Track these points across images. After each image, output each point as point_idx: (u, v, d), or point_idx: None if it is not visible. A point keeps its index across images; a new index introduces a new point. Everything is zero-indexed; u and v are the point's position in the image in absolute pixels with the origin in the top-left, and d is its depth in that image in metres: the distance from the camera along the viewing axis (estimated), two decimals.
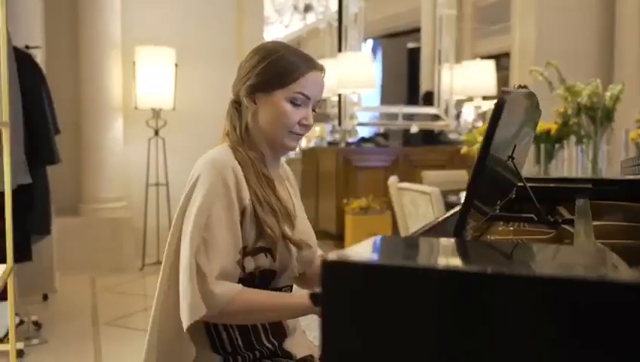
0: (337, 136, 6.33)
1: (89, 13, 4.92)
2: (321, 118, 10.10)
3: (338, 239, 5.78)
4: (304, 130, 1.50)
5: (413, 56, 9.61)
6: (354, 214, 5.38)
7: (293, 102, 1.44)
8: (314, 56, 1.51)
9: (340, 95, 6.21)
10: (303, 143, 9.22)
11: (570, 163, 3.48)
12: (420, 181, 4.69)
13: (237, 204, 1.38)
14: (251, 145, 1.48)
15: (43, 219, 3.66)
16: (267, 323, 1.46)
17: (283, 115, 1.44)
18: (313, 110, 1.51)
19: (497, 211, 1.28)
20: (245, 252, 1.40)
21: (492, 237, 1.34)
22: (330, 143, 6.43)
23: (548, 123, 3.51)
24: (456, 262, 0.69)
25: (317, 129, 9.06)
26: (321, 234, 6.20)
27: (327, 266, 0.62)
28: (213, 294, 1.32)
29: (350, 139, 6.22)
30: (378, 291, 0.60)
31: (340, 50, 6.26)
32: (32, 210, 3.54)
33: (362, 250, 0.65)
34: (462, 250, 0.73)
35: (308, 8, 8.43)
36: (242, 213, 1.39)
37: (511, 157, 1.20)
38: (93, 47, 4.94)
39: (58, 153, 3.67)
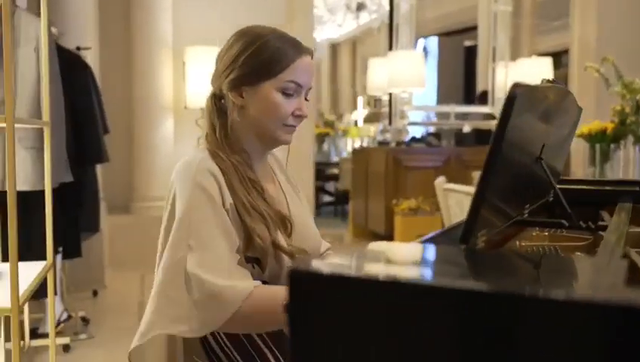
0: (388, 136, 6.24)
1: (141, 15, 5.01)
2: (373, 117, 10.02)
3: (387, 240, 5.69)
4: (298, 122, 1.37)
5: (470, 54, 9.42)
6: (403, 215, 5.29)
7: (285, 93, 1.32)
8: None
9: (390, 94, 6.12)
10: (357, 143, 9.17)
11: (628, 164, 3.29)
12: (471, 182, 4.56)
13: (221, 205, 1.26)
14: (233, 146, 1.33)
15: (92, 216, 3.73)
16: (272, 344, 1.32)
17: (274, 107, 1.32)
18: (305, 99, 1.38)
19: (525, 215, 1.20)
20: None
21: (523, 243, 1.26)
22: (380, 143, 6.35)
23: (604, 122, 3.33)
24: (413, 273, 0.62)
25: (372, 129, 8.99)
26: (370, 235, 6.13)
27: (293, 275, 0.57)
28: (222, 289, 1.18)
29: (405, 138, 6.12)
30: (341, 302, 0.55)
31: (390, 48, 6.17)
32: (82, 208, 3.62)
33: (336, 260, 0.60)
34: (444, 261, 0.66)
35: (361, 7, 8.37)
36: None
37: (539, 158, 1.12)
38: (145, 47, 5.02)
39: (107, 152, 3.75)
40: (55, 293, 3.13)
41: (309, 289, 0.56)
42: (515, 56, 6.94)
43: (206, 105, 1.38)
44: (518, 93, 0.77)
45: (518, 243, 1.24)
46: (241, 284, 1.21)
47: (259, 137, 1.37)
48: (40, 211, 2.42)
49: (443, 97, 9.71)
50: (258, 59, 1.31)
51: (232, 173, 1.29)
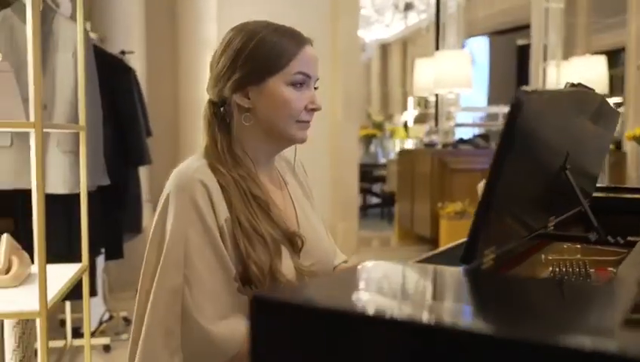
0: (434, 138, 6.13)
1: (186, 17, 5.07)
2: (423, 118, 9.88)
3: (432, 244, 5.59)
4: (311, 116, 1.27)
5: (523, 53, 9.17)
6: (449, 218, 5.18)
7: (294, 85, 1.23)
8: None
9: (436, 95, 6.01)
10: (406, 145, 9.06)
11: None
12: None
13: (213, 223, 1.17)
14: (237, 158, 1.25)
15: (134, 217, 3.79)
16: None
17: (285, 102, 1.22)
18: (315, 89, 1.28)
19: (551, 228, 1.12)
20: None
21: (550, 257, 1.18)
22: (426, 145, 6.24)
23: None
24: (368, 302, 0.57)
25: (421, 130, 8.86)
26: (416, 239, 6.03)
27: (255, 302, 0.53)
28: (214, 339, 1.12)
29: (452, 140, 6.00)
30: (300, 331, 0.50)
31: (437, 48, 6.06)
32: (124, 210, 3.67)
33: (301, 287, 0.56)
34: (417, 287, 0.61)
35: (408, 7, 8.25)
36: (220, 234, 1.18)
37: (564, 168, 1.04)
38: (190, 49, 5.08)
39: (149, 154, 3.79)
40: (95, 294, 3.19)
41: (271, 317, 0.52)
42: (569, 54, 6.71)
43: (204, 116, 1.29)
44: (524, 100, 0.70)
45: (543, 256, 1.17)
46: (239, 328, 1.15)
47: (271, 138, 1.28)
48: (78, 214, 2.45)
49: (494, 98, 9.49)
50: (260, 56, 1.22)
51: (233, 189, 1.20)
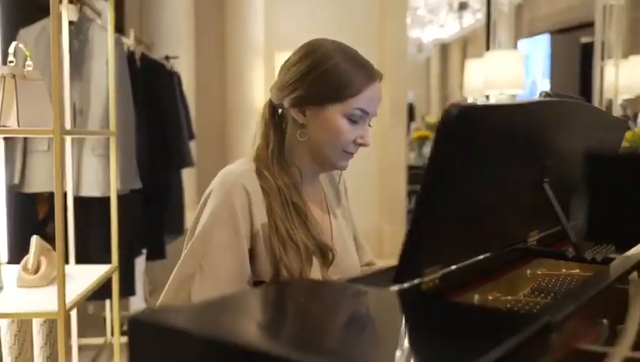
0: None
1: (234, 23, 5.15)
2: None
3: None
4: (357, 149, 1.32)
5: (587, 51, 8.80)
6: None
7: (350, 119, 1.27)
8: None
9: (487, 97, 5.86)
10: None
11: None
12: None
13: (245, 229, 1.22)
14: (284, 165, 1.30)
15: (177, 219, 3.87)
16: None
17: (338, 132, 1.26)
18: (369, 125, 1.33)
19: (533, 243, 1.08)
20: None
21: (539, 271, 1.13)
22: None
23: None
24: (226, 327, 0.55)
25: None
26: None
27: (131, 323, 0.53)
28: None
29: None
30: (174, 353, 0.50)
31: (488, 48, 5.91)
32: (166, 211, 3.76)
33: (179, 310, 0.55)
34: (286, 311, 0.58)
35: (463, 6, 8.09)
36: (253, 240, 1.23)
37: (542, 180, 0.99)
38: (237, 54, 5.16)
39: (191, 157, 3.87)
40: (133, 293, 3.28)
41: (146, 338, 0.52)
42: (631, 53, 6.40)
43: (262, 115, 1.35)
44: (455, 114, 0.67)
45: (529, 271, 1.12)
46: None
47: (314, 159, 1.32)
48: (120, 215, 2.53)
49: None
50: (327, 81, 1.25)
51: (275, 196, 1.25)
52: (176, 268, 1.26)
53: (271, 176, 1.27)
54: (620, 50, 6.23)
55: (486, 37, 5.99)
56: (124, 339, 3.29)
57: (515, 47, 6.13)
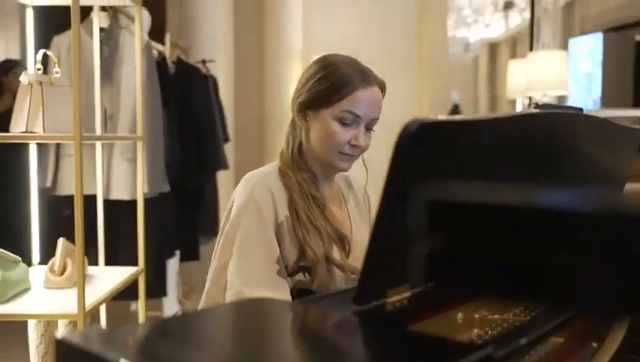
0: None
1: (272, 26, 5.18)
2: None
3: None
4: (356, 151, 1.40)
5: None
6: None
7: (342, 122, 1.35)
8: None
9: (530, 98, 5.71)
10: None
11: None
12: None
13: (270, 219, 1.32)
14: (301, 165, 1.41)
15: (211, 221, 3.91)
16: None
17: (331, 135, 1.36)
18: (370, 129, 1.41)
19: None
20: (287, 271, 1.33)
21: (480, 314, 1.08)
22: None
23: None
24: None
25: None
26: None
27: (59, 346, 0.53)
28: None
29: None
30: None
31: (531, 48, 5.77)
32: (201, 213, 3.81)
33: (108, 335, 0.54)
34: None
35: (508, 6, 7.91)
36: (278, 230, 1.33)
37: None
38: (276, 57, 5.18)
39: (226, 160, 3.90)
40: (165, 294, 3.33)
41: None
42: None
43: (289, 123, 1.47)
44: (415, 129, 0.65)
45: (460, 315, 1.07)
46: (271, 294, 1.26)
47: (319, 161, 1.42)
48: (149, 218, 2.58)
49: (608, 100, 8.89)
50: (322, 87, 1.35)
51: (296, 190, 1.36)
52: (215, 260, 1.36)
53: (292, 174, 1.38)
54: None
55: (529, 37, 5.84)
56: None
57: (563, 46, 5.95)
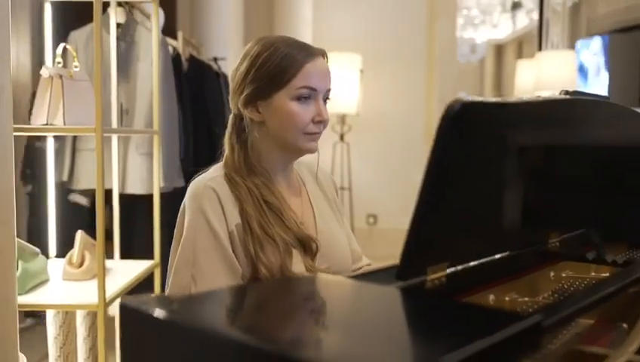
0: None
1: (283, 25, 5.20)
2: None
3: None
4: (320, 128, 1.31)
5: None
6: None
7: (300, 99, 1.26)
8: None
9: None
10: None
11: None
12: None
13: (222, 230, 1.24)
14: (253, 168, 1.30)
15: None
16: None
17: (291, 117, 1.27)
18: (326, 100, 1.32)
19: (555, 245, 1.05)
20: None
21: (564, 274, 1.11)
22: None
23: None
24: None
25: None
26: None
27: (121, 310, 0.54)
28: None
29: None
30: (161, 343, 0.51)
31: (540, 49, 5.78)
32: None
33: (171, 300, 0.56)
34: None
35: (516, 6, 7.93)
36: (230, 239, 1.25)
37: (561, 181, 0.97)
38: None
39: None
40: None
41: (136, 326, 0.53)
42: None
43: (227, 126, 1.37)
44: (459, 108, 0.67)
45: (552, 273, 1.09)
46: None
47: (282, 150, 1.33)
48: (162, 212, 2.59)
49: (614, 100, 8.88)
50: (267, 71, 1.27)
51: (247, 198, 1.26)
52: (171, 277, 1.27)
53: (241, 180, 1.28)
54: None
55: (538, 37, 5.85)
56: None
57: (570, 47, 5.96)
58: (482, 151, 0.73)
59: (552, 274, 1.10)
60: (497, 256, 0.94)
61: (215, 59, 4.08)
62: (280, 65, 1.26)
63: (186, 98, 3.18)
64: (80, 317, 2.24)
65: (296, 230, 1.29)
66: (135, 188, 2.72)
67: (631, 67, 9.83)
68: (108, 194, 2.60)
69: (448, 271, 0.78)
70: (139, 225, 2.90)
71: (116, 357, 1.97)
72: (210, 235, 1.23)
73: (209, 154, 3.60)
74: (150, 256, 2.63)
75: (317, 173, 1.49)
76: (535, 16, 8.15)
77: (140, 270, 2.37)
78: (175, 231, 1.32)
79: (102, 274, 1.91)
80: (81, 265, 2.21)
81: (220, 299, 0.62)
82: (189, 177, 3.13)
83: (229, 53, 4.56)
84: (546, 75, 5.21)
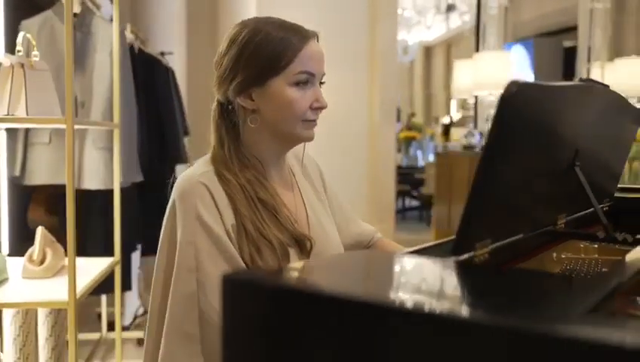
0: (473, 140, 6.06)
1: (227, 20, 5.14)
2: (465, 121, 9.77)
3: None
4: (318, 114, 1.24)
5: (570, 55, 8.98)
6: None
7: (298, 85, 1.20)
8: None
9: (476, 97, 5.94)
10: (440, 148, 8.98)
11: None
12: None
13: (220, 229, 1.16)
14: (244, 161, 1.23)
15: None
16: None
17: (290, 104, 1.19)
18: (320, 84, 1.25)
19: (561, 226, 1.11)
20: None
21: (563, 255, 1.17)
22: (465, 147, 6.16)
23: None
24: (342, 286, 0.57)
25: (461, 133, 8.76)
26: None
27: (226, 282, 0.54)
28: None
29: None
30: (272, 313, 0.51)
31: (477, 50, 5.99)
32: (160, 207, 3.74)
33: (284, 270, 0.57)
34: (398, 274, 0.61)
35: (450, 8, 8.17)
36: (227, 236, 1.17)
37: (573, 164, 1.02)
38: None
39: (186, 153, 3.86)
40: (130, 288, 3.26)
41: (243, 298, 0.53)
42: (616, 56, 6.53)
43: (212, 116, 1.28)
44: (515, 91, 0.70)
45: (555, 254, 1.15)
46: None
47: (277, 139, 1.26)
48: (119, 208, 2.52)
49: None
50: (261, 56, 1.18)
51: (239, 195, 1.19)
52: (172, 286, 1.17)
53: (232, 176, 1.21)
54: (605, 52, 6.34)
55: (475, 38, 6.06)
56: (129, 335, 3.29)
57: (502, 49, 6.21)
58: (528, 130, 0.77)
59: (554, 255, 1.16)
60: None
61: (162, 54, 4.00)
62: (276, 49, 1.18)
63: (138, 92, 3.10)
64: (42, 317, 2.15)
65: (292, 229, 1.23)
66: (91, 183, 2.63)
67: (554, 69, 10.32)
68: (62, 189, 2.51)
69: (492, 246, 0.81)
70: (92, 222, 2.81)
71: (71, 357, 1.90)
72: (210, 237, 1.15)
73: (159, 149, 3.54)
74: (106, 253, 2.56)
75: (302, 159, 1.43)
76: (467, 18, 8.44)
77: (101, 267, 2.30)
78: (162, 231, 1.24)
79: (73, 270, 1.85)
80: (42, 262, 2.13)
81: (337, 266, 0.62)
82: (144, 173, 3.07)
83: (173, 48, 4.47)
84: (483, 75, 5.40)
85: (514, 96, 0.69)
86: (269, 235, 1.19)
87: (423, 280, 0.63)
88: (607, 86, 1.07)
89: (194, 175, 1.21)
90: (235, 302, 0.53)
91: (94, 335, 3.28)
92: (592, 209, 1.13)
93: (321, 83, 1.26)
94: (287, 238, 1.22)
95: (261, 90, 1.21)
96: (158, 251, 1.25)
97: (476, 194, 0.71)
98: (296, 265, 0.62)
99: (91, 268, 2.29)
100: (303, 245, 1.23)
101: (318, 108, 1.24)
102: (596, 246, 1.24)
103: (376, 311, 0.49)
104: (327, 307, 0.50)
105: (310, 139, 1.27)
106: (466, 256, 0.75)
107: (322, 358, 0.51)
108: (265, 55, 1.19)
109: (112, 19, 3.01)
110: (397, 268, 0.67)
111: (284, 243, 1.21)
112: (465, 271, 0.70)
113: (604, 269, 1.10)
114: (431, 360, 0.48)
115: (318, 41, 1.25)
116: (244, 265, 1.17)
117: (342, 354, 0.51)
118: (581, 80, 0.97)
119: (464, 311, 0.48)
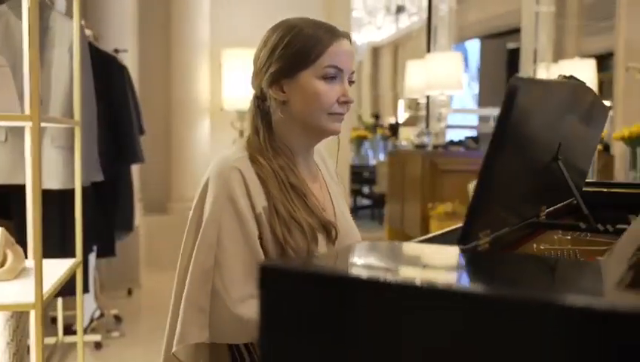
0: (425, 139, 6.17)
1: (180, 18, 5.08)
2: (414, 120, 9.94)
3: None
4: (344, 109, 1.31)
5: (514, 57, 9.27)
6: (439, 219, 5.21)
7: (326, 79, 1.27)
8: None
9: (428, 97, 6.06)
10: (397, 146, 9.12)
11: None
12: None
13: (248, 212, 1.23)
14: (277, 149, 1.30)
15: (126, 215, 3.78)
16: None
17: (317, 96, 1.26)
18: (350, 82, 1.33)
19: (542, 217, 1.15)
20: None
21: (542, 246, 1.21)
22: (417, 146, 6.28)
23: None
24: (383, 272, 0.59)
25: (411, 132, 8.93)
26: (406, 239, 6.05)
27: (263, 271, 0.55)
28: (240, 319, 1.20)
29: (444, 141, 6.04)
30: (312, 300, 0.53)
31: (428, 50, 6.11)
32: (117, 207, 3.67)
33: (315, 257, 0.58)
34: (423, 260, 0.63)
35: (400, 9, 8.30)
36: (257, 222, 1.25)
37: (556, 158, 1.07)
38: (183, 50, 5.09)
39: (142, 152, 3.79)
40: (88, 291, 3.19)
41: (279, 285, 0.54)
42: (559, 58, 6.78)
43: (249, 108, 1.36)
44: (520, 86, 0.73)
45: (535, 245, 1.19)
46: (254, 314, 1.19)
47: (305, 131, 1.32)
48: (73, 209, 2.46)
49: (484, 101, 9.57)
50: (293, 49, 1.26)
51: (272, 180, 1.26)
52: (193, 259, 1.26)
53: (265, 161, 1.28)
54: (550, 54, 6.57)
55: (427, 39, 6.17)
56: (86, 338, 3.21)
57: (451, 50, 6.35)
58: (530, 125, 0.80)
59: (534, 246, 1.20)
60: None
61: (116, 51, 3.92)
62: (307, 44, 1.26)
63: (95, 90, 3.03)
64: (2, 321, 2.08)
65: (320, 215, 1.30)
66: (50, 183, 2.56)
67: (498, 70, 10.60)
68: (20, 189, 2.44)
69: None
70: (49, 223, 2.73)
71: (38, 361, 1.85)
72: (236, 217, 1.23)
73: (115, 148, 3.47)
74: (62, 255, 2.49)
75: (337, 161, 1.51)
76: (415, 19, 8.60)
77: (65, 268, 2.24)
78: (192, 211, 1.30)
79: (39, 271, 1.79)
80: (2, 264, 2.06)
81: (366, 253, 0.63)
82: (103, 171, 2.99)
83: (126, 45, 4.38)
84: (435, 75, 5.51)
85: (518, 91, 0.72)
86: (299, 218, 1.26)
87: (451, 266, 0.65)
88: (584, 83, 1.12)
89: (229, 159, 1.28)
90: (273, 289, 0.54)
91: (50, 340, 3.19)
92: (570, 200, 1.18)
93: (351, 82, 1.33)
94: (316, 223, 1.29)
95: (291, 82, 1.28)
96: (184, 236, 1.30)
97: (483, 187, 0.74)
98: (328, 252, 0.63)
99: (53, 270, 2.22)
100: (329, 232, 1.30)
101: (344, 102, 1.30)
102: (569, 237, 1.29)
103: (412, 291, 0.51)
104: (364, 291, 0.52)
105: (336, 132, 1.33)
106: (472, 244, 0.78)
107: (358, 340, 0.53)
108: (296, 49, 1.26)
109: (68, 14, 2.94)
110: (422, 254, 0.69)
111: (314, 227, 1.28)
112: (483, 258, 0.73)
113: (581, 259, 1.15)
114: (467, 337, 0.50)
115: (350, 41, 1.32)
116: (260, 250, 1.24)
117: (378, 335, 0.53)
118: (564, 77, 1.01)
119: (507, 290, 0.50)
